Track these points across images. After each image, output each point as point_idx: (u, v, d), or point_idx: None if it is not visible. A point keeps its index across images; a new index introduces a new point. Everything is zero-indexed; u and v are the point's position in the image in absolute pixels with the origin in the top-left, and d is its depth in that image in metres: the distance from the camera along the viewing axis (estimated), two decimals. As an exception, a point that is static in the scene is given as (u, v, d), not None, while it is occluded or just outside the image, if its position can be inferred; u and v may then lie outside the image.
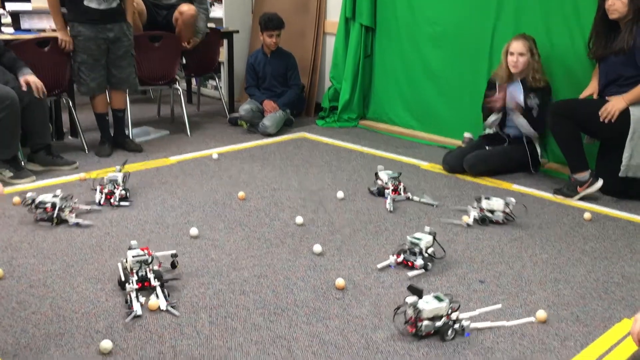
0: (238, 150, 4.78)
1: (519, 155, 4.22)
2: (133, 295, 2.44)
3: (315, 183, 4.02)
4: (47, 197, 3.25)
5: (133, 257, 2.56)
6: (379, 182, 3.77)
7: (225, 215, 3.43)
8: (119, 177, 3.60)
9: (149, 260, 2.56)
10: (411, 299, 2.25)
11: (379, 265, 2.80)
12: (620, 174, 3.66)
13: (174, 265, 2.71)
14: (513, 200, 3.37)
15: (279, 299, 2.54)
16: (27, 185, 3.84)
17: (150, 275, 2.54)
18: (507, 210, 3.35)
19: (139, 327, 2.30)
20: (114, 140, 4.66)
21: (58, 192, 3.31)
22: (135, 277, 2.53)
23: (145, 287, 2.53)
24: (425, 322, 2.23)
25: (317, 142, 5.07)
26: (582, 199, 3.74)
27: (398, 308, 2.33)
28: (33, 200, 3.25)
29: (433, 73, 5.04)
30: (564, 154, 3.82)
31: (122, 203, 3.51)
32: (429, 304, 2.24)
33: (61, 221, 3.24)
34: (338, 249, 3.03)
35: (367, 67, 5.52)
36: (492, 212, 3.34)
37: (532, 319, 2.39)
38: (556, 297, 2.59)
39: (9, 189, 3.74)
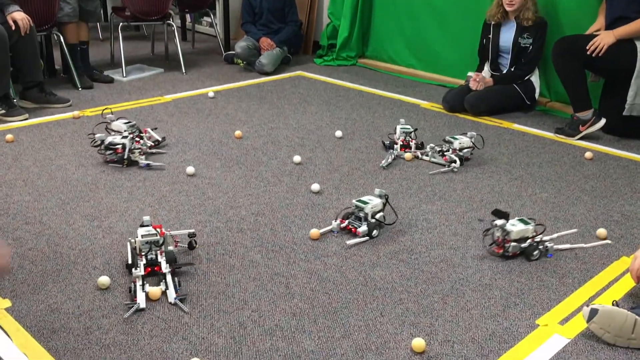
0: (234, 88, 4.68)
1: (516, 93, 4.16)
2: (138, 283, 2.09)
3: (313, 122, 3.95)
4: (116, 139, 3.15)
5: (142, 236, 2.20)
6: (394, 135, 3.52)
7: (222, 153, 3.38)
8: (124, 127, 3.34)
9: (160, 242, 2.20)
10: (500, 221, 2.36)
11: (321, 231, 2.53)
12: (624, 113, 3.61)
13: (191, 246, 2.33)
14: (474, 133, 3.33)
15: (277, 236, 2.53)
16: (19, 122, 3.76)
17: (162, 259, 2.18)
18: (471, 144, 3.33)
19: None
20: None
21: (126, 132, 3.22)
22: (143, 261, 2.17)
23: (155, 272, 2.17)
24: (513, 244, 2.36)
25: (315, 80, 4.96)
26: (583, 138, 3.70)
27: (487, 230, 2.43)
28: (102, 142, 3.17)
29: (435, 10, 4.88)
30: (567, 91, 3.75)
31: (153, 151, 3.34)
32: (516, 227, 2.37)
33: (132, 163, 3.16)
34: (336, 187, 3.00)
35: (367, 4, 5.35)
36: (461, 150, 3.29)
37: (607, 242, 2.53)
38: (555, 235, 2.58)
39: (1, 126, 3.67)
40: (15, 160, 3.21)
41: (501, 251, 2.39)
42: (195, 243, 2.33)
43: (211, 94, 4.42)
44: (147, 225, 2.26)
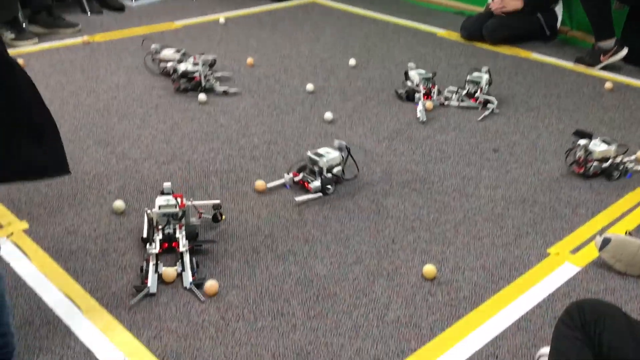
0: (246, 15, 4.57)
1: (537, 22, 4.02)
2: (152, 263, 1.81)
3: (326, 50, 3.86)
4: (189, 66, 3.09)
5: (160, 207, 1.93)
6: (409, 83, 3.16)
7: (234, 81, 3.33)
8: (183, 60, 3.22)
9: (180, 214, 1.92)
10: (583, 141, 2.41)
11: (270, 185, 2.33)
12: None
13: (216, 219, 2.04)
14: (487, 68, 3.17)
15: (289, 164, 2.52)
16: (29, 47, 3.72)
17: (180, 235, 1.90)
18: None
19: (149, 190, 2.31)
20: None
21: (200, 60, 3.13)
22: (160, 236, 1.90)
23: (171, 249, 1.91)
24: (594, 163, 2.41)
25: (329, 7, 4.82)
26: (604, 68, 3.60)
27: (570, 150, 2.47)
28: (175, 70, 3.13)
29: None
30: (589, 18, 3.62)
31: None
32: (598, 146, 2.42)
33: (208, 90, 3.11)
34: (349, 116, 2.97)
35: None
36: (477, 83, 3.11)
37: None
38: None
39: (11, 51, 3.62)
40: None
41: (582, 170, 2.43)
42: (221, 216, 2.05)
43: (222, 20, 4.32)
44: (167, 194, 1.96)
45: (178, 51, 3.30)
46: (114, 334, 1.65)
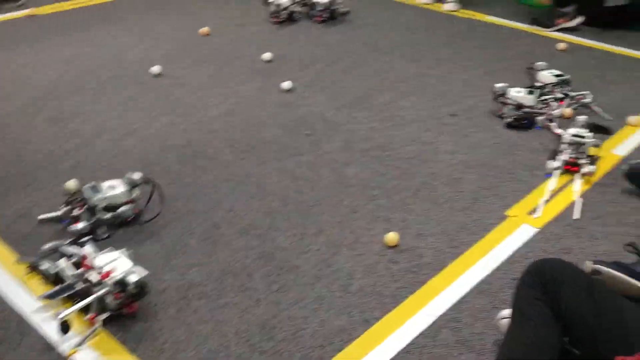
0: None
1: None
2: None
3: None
4: None
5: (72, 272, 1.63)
6: (538, 84, 2.74)
7: (189, 52, 3.25)
8: None
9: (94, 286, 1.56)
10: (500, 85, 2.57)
11: (41, 217, 1.96)
12: (605, 4, 3.52)
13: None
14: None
15: (249, 136, 2.48)
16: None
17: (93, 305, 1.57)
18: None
19: (105, 168, 2.25)
20: None
21: None
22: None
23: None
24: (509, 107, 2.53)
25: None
26: (560, 30, 3.63)
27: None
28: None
29: None
30: None
31: None
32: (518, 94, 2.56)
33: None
34: (308, 85, 2.93)
35: None
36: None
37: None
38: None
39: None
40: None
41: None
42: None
43: (174, -11, 4.19)
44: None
45: None
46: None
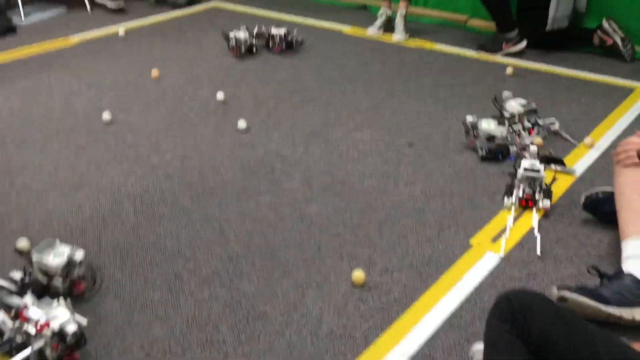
0: (146, 25, 4.39)
1: None
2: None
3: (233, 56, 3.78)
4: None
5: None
6: (506, 114, 2.73)
7: (140, 96, 3.19)
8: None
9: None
10: (470, 117, 2.61)
11: None
12: (547, 28, 3.65)
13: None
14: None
15: (206, 180, 2.44)
16: None
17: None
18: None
19: (57, 225, 2.16)
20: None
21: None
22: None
23: None
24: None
25: (232, 11, 4.73)
26: (506, 55, 3.72)
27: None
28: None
29: None
30: (491, 15, 3.76)
31: None
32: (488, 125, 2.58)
33: None
34: (264, 122, 2.91)
35: None
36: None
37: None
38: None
39: None
40: None
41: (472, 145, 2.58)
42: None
43: (121, 33, 4.13)
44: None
45: None
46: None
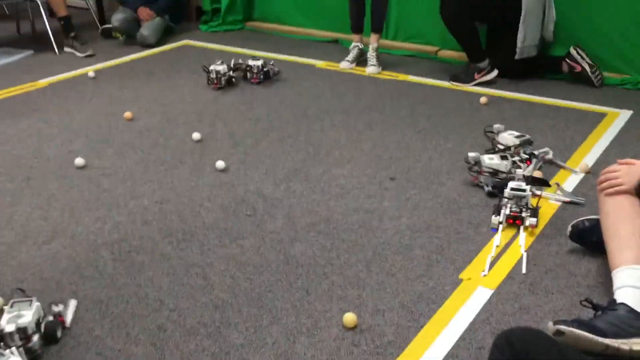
0: (116, 65, 4.34)
1: None
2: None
3: (208, 93, 3.74)
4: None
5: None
6: (500, 146, 2.79)
7: (113, 139, 3.12)
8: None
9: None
10: (472, 154, 2.59)
11: None
12: (516, 57, 3.70)
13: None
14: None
15: (186, 223, 2.37)
16: None
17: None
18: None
19: (31, 278, 2.06)
20: None
21: None
22: None
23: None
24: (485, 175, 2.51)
25: (203, 48, 4.71)
26: (478, 84, 3.77)
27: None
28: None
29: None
30: (462, 47, 3.80)
31: None
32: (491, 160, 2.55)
33: None
34: (242, 162, 2.87)
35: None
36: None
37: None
38: (464, 184, 2.61)
39: None
40: None
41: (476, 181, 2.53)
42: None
43: (91, 74, 4.07)
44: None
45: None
46: None
